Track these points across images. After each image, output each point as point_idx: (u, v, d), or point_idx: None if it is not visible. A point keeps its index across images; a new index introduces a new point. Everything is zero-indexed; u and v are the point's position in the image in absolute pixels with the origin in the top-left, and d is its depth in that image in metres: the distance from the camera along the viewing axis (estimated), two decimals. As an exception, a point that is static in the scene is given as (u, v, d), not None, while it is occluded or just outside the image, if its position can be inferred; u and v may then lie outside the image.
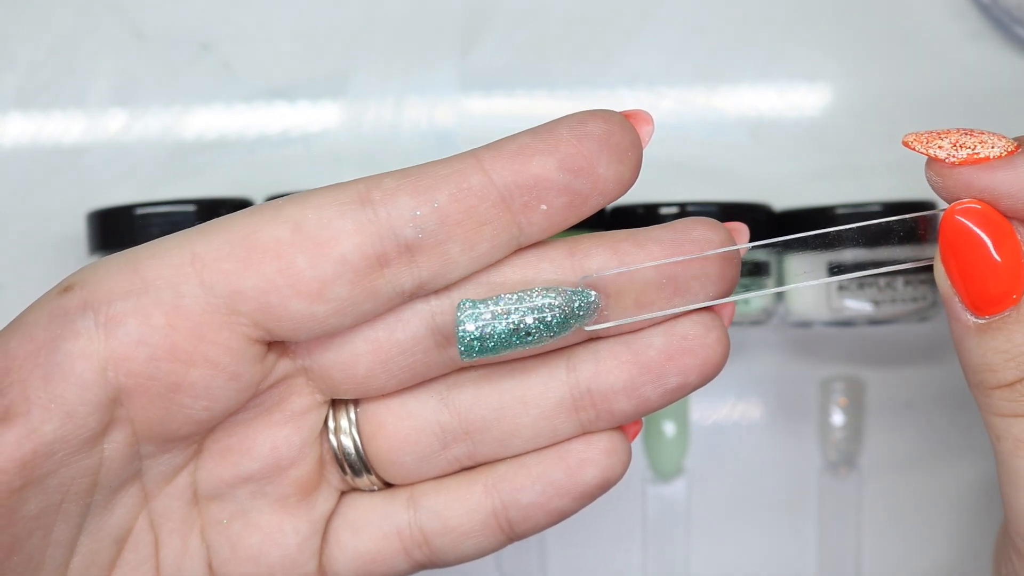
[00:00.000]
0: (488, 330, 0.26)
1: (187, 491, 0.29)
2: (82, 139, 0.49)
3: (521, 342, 0.26)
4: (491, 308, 0.26)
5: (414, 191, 0.26)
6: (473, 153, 0.26)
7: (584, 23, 0.50)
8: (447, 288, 0.27)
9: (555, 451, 0.29)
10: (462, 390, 0.29)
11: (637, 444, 0.49)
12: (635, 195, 0.46)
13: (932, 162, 0.26)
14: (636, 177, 0.27)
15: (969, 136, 0.26)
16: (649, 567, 0.49)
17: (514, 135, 0.26)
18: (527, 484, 0.29)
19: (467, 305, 0.26)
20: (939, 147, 0.26)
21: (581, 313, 0.26)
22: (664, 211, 0.44)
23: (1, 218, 0.49)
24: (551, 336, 0.26)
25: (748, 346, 0.50)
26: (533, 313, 0.26)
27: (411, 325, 0.27)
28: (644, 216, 0.44)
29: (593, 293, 0.27)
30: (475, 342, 0.26)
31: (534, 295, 0.26)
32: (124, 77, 0.49)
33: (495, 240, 0.26)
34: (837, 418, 0.49)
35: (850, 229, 0.27)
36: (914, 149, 0.26)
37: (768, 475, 0.50)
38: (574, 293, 0.26)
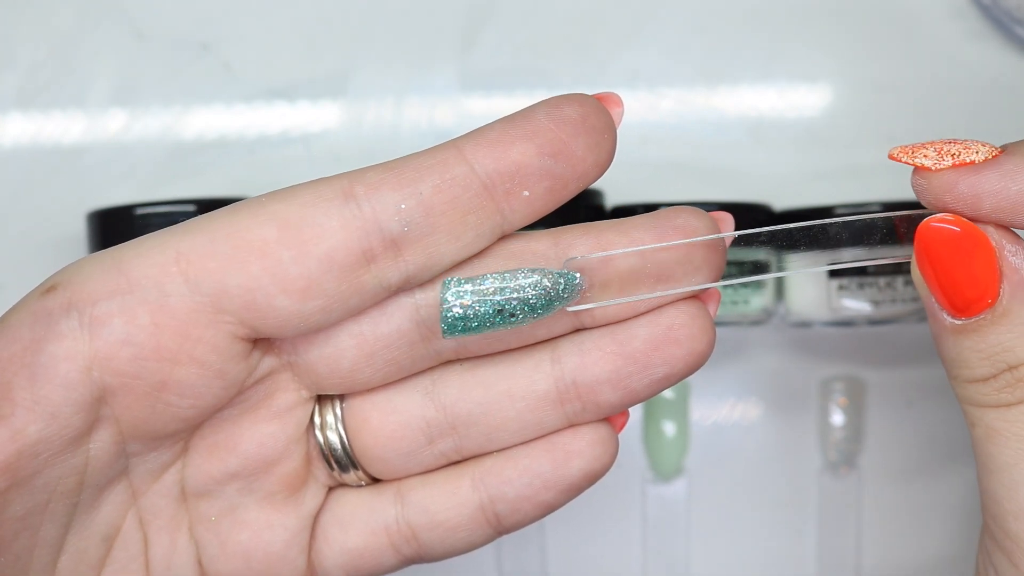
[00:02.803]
0: (472, 309, 0.26)
1: (175, 488, 0.29)
2: (82, 139, 0.49)
3: (504, 322, 0.26)
4: (476, 287, 0.26)
5: (398, 184, 0.26)
6: (453, 143, 0.26)
7: (584, 23, 0.50)
8: (432, 280, 0.27)
9: (542, 444, 0.29)
10: (447, 384, 0.29)
11: (637, 444, 0.49)
12: (635, 195, 0.46)
13: (918, 170, 0.27)
14: (612, 159, 0.27)
15: (953, 144, 0.27)
16: (649, 567, 0.49)
17: (492, 123, 0.27)
18: (514, 477, 0.29)
19: (452, 283, 0.26)
20: (924, 156, 0.27)
21: (565, 295, 0.26)
22: (664, 211, 0.44)
23: (1, 218, 0.49)
24: (534, 316, 0.26)
25: (748, 346, 0.50)
26: (517, 293, 0.26)
27: (395, 318, 0.27)
28: (644, 216, 0.44)
29: (577, 275, 0.27)
30: (458, 321, 0.26)
31: (518, 275, 0.26)
32: (124, 77, 0.49)
33: (479, 229, 0.26)
34: (837, 418, 0.49)
35: (834, 223, 0.27)
36: (901, 161, 0.27)
37: (768, 475, 0.50)
38: (559, 275, 0.26)
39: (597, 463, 0.29)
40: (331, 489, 0.30)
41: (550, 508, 0.29)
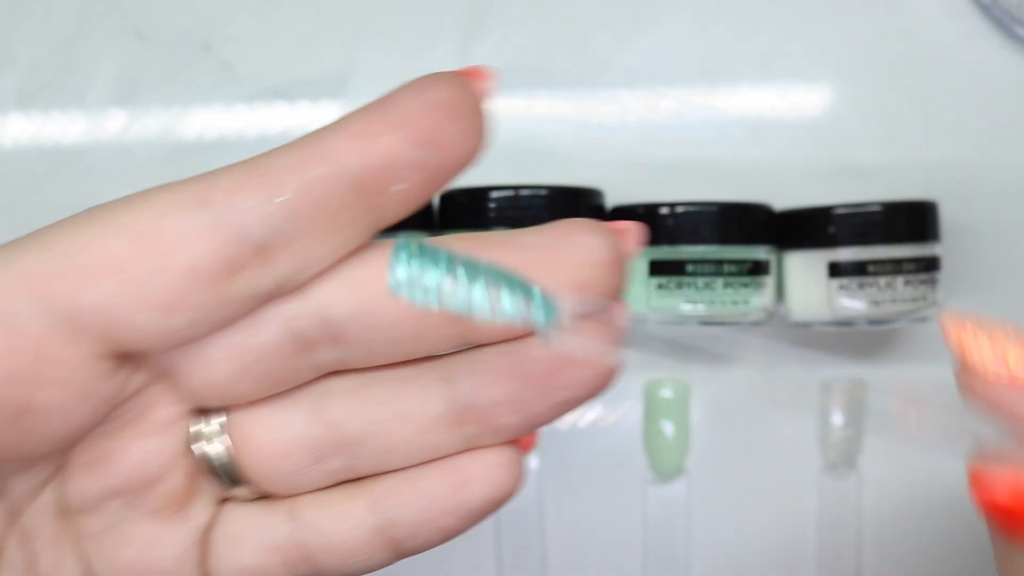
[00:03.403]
0: (422, 297, 0.23)
1: (55, 506, 0.27)
2: (82, 139, 0.49)
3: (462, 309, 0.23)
4: (430, 280, 0.23)
5: (258, 187, 0.23)
6: (316, 137, 0.24)
7: (584, 23, 0.50)
8: (307, 285, 0.25)
9: (441, 466, 0.27)
10: (334, 401, 0.27)
11: (637, 444, 0.49)
12: (635, 195, 0.46)
13: (966, 363, 0.25)
14: (486, 140, 0.25)
15: (1006, 341, 0.24)
16: (649, 567, 0.49)
17: (356, 112, 0.24)
18: (412, 500, 0.27)
19: (402, 263, 0.23)
20: (976, 349, 0.25)
21: (537, 315, 0.23)
22: (663, 211, 0.44)
23: (1, 218, 0.49)
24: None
25: (748, 346, 0.50)
26: (479, 298, 0.23)
27: (269, 329, 0.25)
28: (644, 216, 0.44)
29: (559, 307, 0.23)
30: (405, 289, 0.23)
31: (486, 273, 0.23)
32: (124, 77, 0.49)
33: (352, 229, 0.24)
34: (837, 418, 0.49)
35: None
36: (948, 335, 0.25)
37: (768, 475, 0.50)
38: (536, 293, 0.23)
39: (499, 489, 0.27)
40: (224, 501, 0.28)
41: (451, 534, 0.27)
